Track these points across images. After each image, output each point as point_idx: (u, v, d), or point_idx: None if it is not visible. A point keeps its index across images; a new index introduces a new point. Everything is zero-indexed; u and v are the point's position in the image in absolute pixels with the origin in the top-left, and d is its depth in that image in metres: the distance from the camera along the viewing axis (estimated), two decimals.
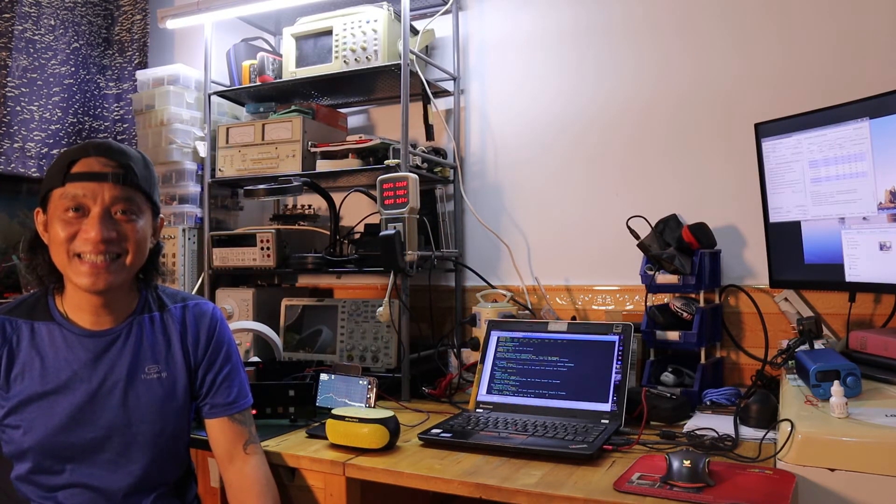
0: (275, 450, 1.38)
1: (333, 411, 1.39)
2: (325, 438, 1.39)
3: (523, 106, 2.14)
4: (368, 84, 2.13)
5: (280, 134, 2.09)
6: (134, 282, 1.30)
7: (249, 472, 1.29)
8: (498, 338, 1.66)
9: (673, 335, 1.67)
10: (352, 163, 2.00)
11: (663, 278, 1.71)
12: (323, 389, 1.63)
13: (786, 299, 1.76)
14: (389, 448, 1.35)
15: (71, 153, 1.19)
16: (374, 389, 1.58)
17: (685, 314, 1.69)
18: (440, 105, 2.21)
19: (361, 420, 1.34)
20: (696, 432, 1.33)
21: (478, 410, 1.56)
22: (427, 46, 2.21)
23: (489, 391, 1.59)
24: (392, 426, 1.35)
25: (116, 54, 2.73)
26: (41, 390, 1.19)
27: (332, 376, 1.64)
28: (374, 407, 1.56)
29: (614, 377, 1.48)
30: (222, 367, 1.32)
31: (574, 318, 1.99)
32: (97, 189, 1.17)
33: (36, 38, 2.53)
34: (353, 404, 1.58)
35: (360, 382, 1.60)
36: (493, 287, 2.10)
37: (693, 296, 1.75)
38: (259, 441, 1.35)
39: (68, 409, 1.19)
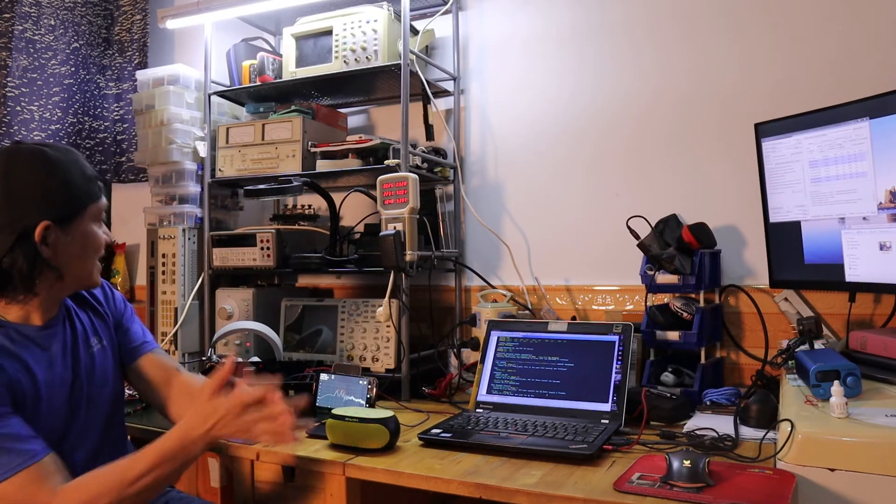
0: (275, 450, 1.37)
1: (333, 411, 1.39)
2: (325, 438, 1.39)
3: (523, 106, 2.14)
4: (368, 84, 2.13)
5: (280, 134, 2.09)
6: None
7: (193, 378, 1.38)
8: (498, 338, 1.66)
9: (673, 335, 1.67)
10: (352, 163, 2.00)
11: (663, 278, 1.71)
12: (323, 389, 1.63)
13: (786, 299, 1.76)
14: (389, 448, 1.35)
15: (87, 168, 1.25)
16: (374, 389, 1.59)
17: (685, 314, 1.69)
18: (440, 105, 2.21)
19: (361, 420, 1.34)
20: (696, 432, 1.33)
21: (478, 410, 1.56)
22: (427, 46, 2.21)
23: (489, 391, 1.59)
24: (392, 426, 1.35)
25: (116, 54, 2.74)
26: (35, 396, 1.17)
27: (332, 376, 1.64)
28: (374, 407, 1.56)
29: (614, 377, 1.48)
30: (129, 318, 1.43)
31: (574, 318, 1.99)
32: None
33: (36, 38, 2.53)
34: (353, 404, 1.58)
35: (360, 382, 1.60)
36: (493, 287, 2.10)
37: (693, 296, 1.75)
38: None
39: (63, 401, 1.23)
